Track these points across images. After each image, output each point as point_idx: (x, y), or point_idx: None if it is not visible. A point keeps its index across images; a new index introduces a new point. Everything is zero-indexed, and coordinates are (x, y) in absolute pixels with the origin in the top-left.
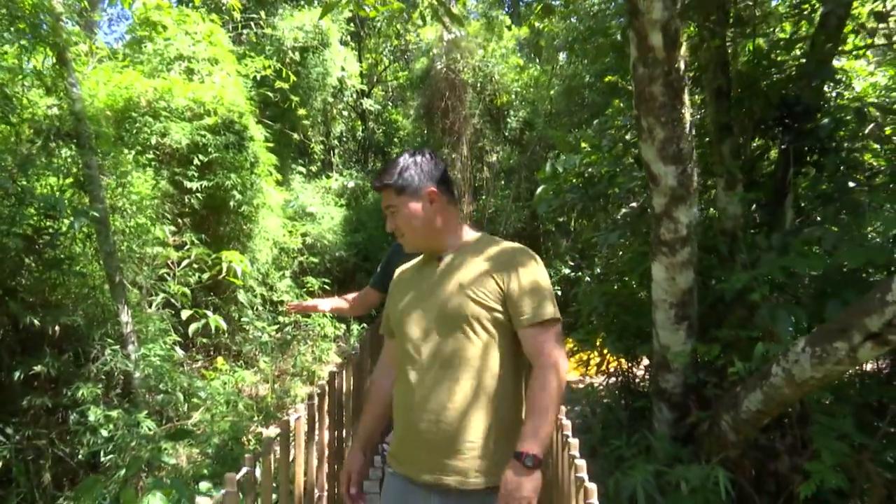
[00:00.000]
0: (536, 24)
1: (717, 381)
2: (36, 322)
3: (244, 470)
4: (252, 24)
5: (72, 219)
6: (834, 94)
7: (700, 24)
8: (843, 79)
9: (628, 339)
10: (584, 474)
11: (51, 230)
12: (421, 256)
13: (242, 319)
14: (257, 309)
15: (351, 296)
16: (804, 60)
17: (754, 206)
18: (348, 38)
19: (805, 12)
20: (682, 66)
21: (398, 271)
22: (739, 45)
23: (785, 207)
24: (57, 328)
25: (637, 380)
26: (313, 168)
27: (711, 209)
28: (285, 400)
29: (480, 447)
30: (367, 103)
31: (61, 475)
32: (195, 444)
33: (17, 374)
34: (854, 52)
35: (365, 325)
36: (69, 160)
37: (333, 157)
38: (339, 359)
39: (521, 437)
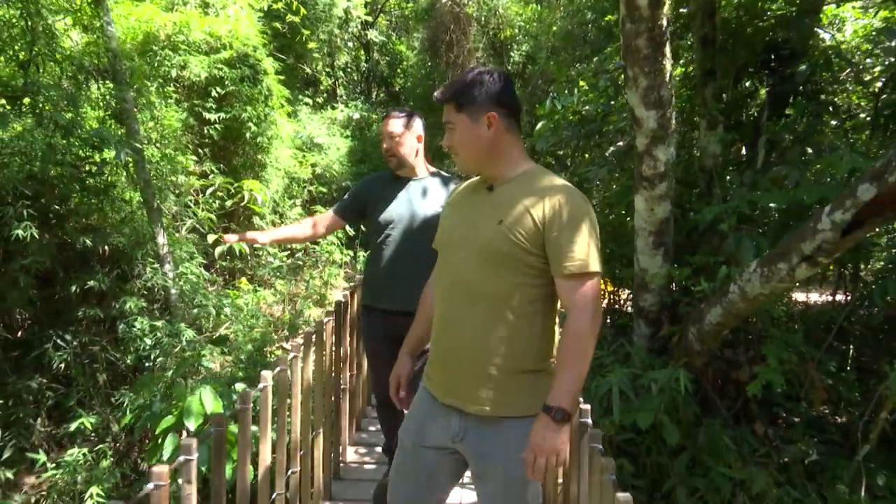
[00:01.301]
0: None
1: (688, 300)
2: (89, 243)
3: (291, 356)
4: None
5: (116, 149)
6: (826, 38)
7: None
8: (835, 22)
9: (614, 264)
10: None
11: (96, 160)
12: (475, 178)
13: (255, 245)
14: None
15: (308, 221)
16: (793, 9)
17: (741, 145)
18: None
19: None
20: (665, 22)
21: (456, 190)
22: None
23: (758, 147)
24: (106, 248)
25: (622, 302)
26: (319, 99)
27: (695, 148)
28: (299, 320)
29: (500, 380)
30: (372, 34)
31: (112, 377)
32: (227, 352)
33: (73, 288)
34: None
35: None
36: (107, 95)
37: (338, 88)
38: (346, 283)
39: (551, 390)
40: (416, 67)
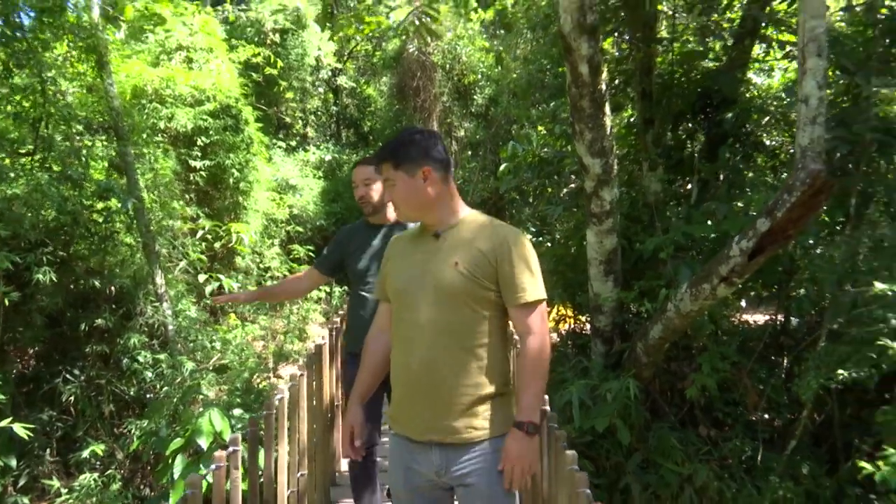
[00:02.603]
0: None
1: (636, 320)
2: (97, 284)
3: (299, 374)
4: (229, 4)
5: (121, 199)
6: (760, 82)
7: (629, 38)
8: (765, 68)
9: (573, 290)
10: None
11: (98, 209)
12: (415, 227)
13: (234, 284)
14: (251, 274)
15: (291, 279)
16: (721, 62)
17: (684, 182)
18: (322, 16)
19: (715, 32)
20: (604, 87)
21: (393, 240)
22: (660, 56)
23: (693, 186)
24: (112, 289)
25: (582, 324)
26: (292, 142)
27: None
28: (286, 350)
29: (473, 408)
30: (342, 80)
31: (117, 409)
32: (222, 381)
33: (82, 326)
34: (759, 62)
35: (345, 287)
36: (109, 149)
37: (309, 132)
38: (322, 318)
39: (518, 409)
40: (385, 110)
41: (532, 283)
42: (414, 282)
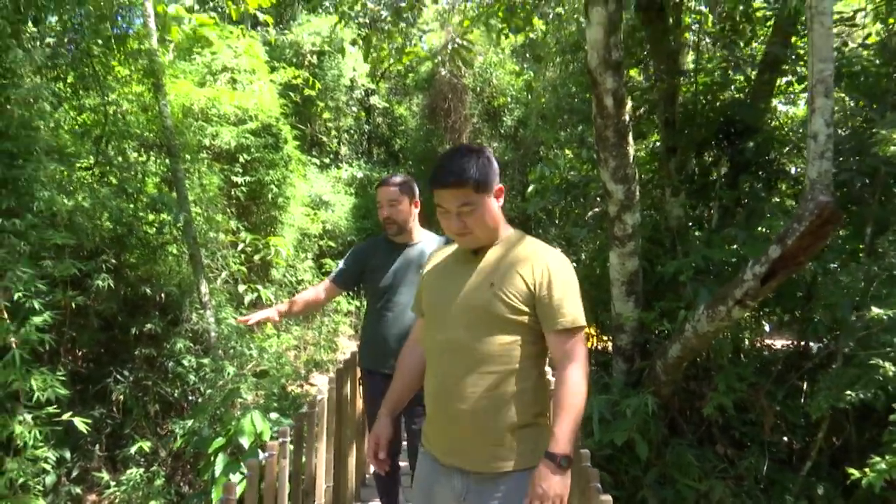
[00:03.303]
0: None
1: (656, 339)
2: (149, 291)
3: (332, 377)
4: (271, 28)
5: (173, 213)
6: (785, 110)
7: (654, 70)
8: (790, 97)
9: (596, 309)
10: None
11: (149, 220)
12: (453, 244)
13: (271, 295)
14: (284, 286)
15: (308, 292)
16: (744, 93)
17: (708, 207)
18: (358, 39)
19: (738, 65)
20: (627, 118)
21: (435, 255)
22: (683, 86)
23: (714, 211)
24: (162, 296)
25: (605, 342)
26: (326, 160)
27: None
28: (317, 358)
29: (500, 438)
30: (374, 99)
31: (162, 409)
32: (259, 386)
33: (132, 330)
34: (782, 93)
35: None
36: (162, 165)
37: (342, 149)
38: (352, 331)
39: (552, 438)
40: (416, 130)
41: (573, 310)
42: (447, 299)
